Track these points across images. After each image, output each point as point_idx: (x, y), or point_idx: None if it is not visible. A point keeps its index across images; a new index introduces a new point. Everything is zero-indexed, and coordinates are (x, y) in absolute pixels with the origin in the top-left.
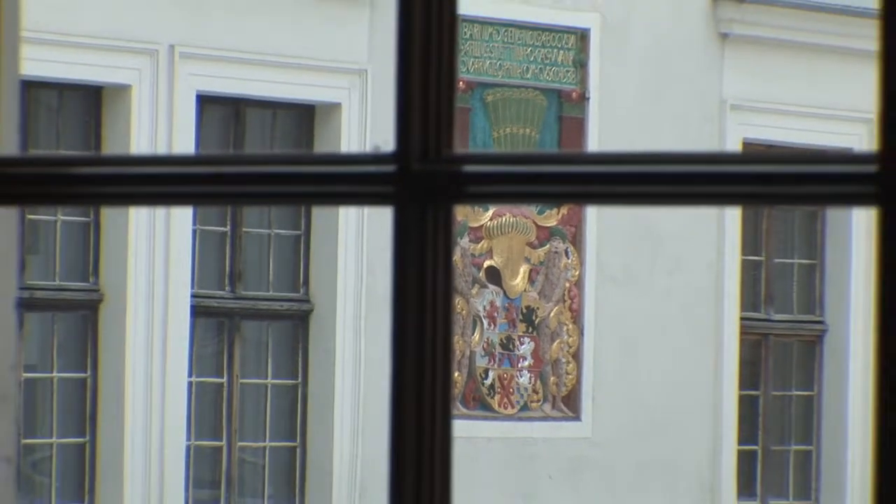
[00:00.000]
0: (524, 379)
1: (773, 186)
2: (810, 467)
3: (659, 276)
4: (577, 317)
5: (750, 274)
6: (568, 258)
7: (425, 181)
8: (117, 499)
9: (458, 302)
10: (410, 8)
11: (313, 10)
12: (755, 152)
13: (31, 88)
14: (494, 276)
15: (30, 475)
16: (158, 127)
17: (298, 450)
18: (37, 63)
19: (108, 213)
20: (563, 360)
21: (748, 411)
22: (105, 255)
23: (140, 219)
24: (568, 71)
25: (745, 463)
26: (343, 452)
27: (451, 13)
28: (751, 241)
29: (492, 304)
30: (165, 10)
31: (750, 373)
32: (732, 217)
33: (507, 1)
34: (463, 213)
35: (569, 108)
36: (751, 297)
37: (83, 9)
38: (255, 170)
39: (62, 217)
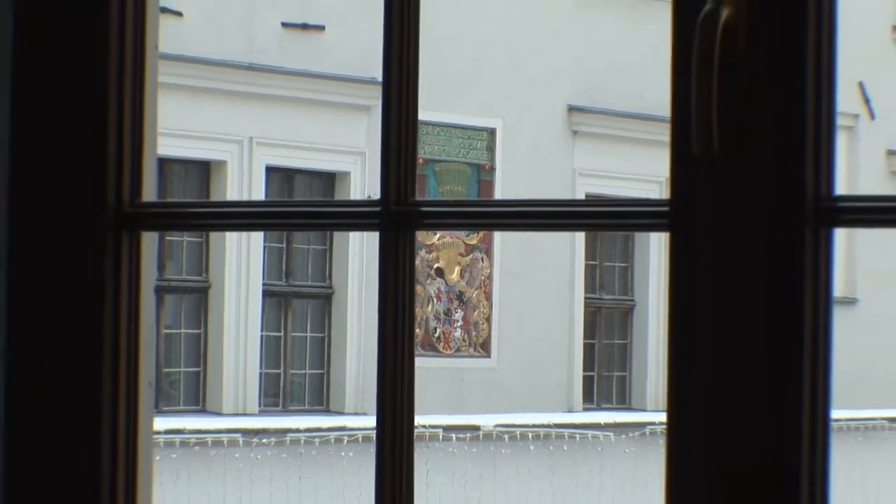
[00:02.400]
0: (457, 333)
1: (602, 220)
2: (625, 385)
3: (537, 272)
4: (489, 297)
5: (590, 271)
6: (483, 262)
7: (398, 216)
8: (218, 404)
9: (418, 288)
10: (388, 115)
11: (334, 116)
12: (592, 199)
13: (167, 163)
14: (440, 272)
15: (167, 391)
16: (243, 185)
17: (325, 375)
18: (171, 147)
19: (213, 235)
20: (481, 322)
21: (588, 352)
22: (211, 260)
23: (232, 238)
24: (483, 152)
25: (587, 383)
26: (351, 376)
27: (414, 118)
28: (590, 252)
29: (438, 289)
30: (247, 116)
31: (590, 330)
32: (580, 237)
33: (447, 111)
34: (421, 236)
35: (484, 175)
36: (591, 284)
37: (199, 113)
38: (297, 209)
39: (186, 238)
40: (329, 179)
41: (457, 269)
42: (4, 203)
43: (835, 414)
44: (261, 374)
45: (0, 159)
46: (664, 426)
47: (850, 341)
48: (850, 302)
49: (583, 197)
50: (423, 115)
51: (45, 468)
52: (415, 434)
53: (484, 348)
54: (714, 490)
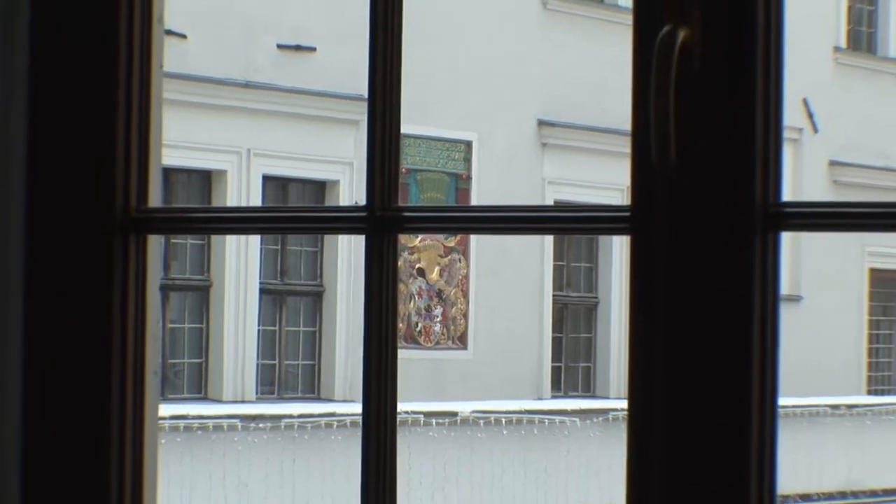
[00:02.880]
0: (437, 328)
1: (569, 224)
2: (590, 375)
3: (509, 272)
4: (465, 294)
5: (557, 271)
6: (461, 263)
7: (383, 221)
8: (219, 392)
9: (401, 286)
10: (373, 129)
11: (325, 129)
12: (560, 206)
13: (172, 172)
14: (421, 272)
15: (172, 380)
16: (241, 192)
17: (316, 365)
18: (175, 158)
19: (214, 238)
20: (458, 318)
21: (556, 345)
22: (212, 261)
23: (231, 240)
24: (460, 163)
25: (555, 373)
26: (340, 367)
27: (397, 132)
28: (558, 253)
29: (419, 287)
30: (245, 130)
31: (558, 324)
32: (549, 240)
33: (427, 125)
34: (404, 239)
35: (461, 183)
36: (559, 283)
37: (200, 126)
38: (291, 215)
39: (189, 240)
40: (320, 187)
41: (436, 269)
42: (23, 208)
43: (781, 401)
44: (258, 364)
45: (19, 168)
46: (626, 412)
47: (796, 335)
48: (795, 299)
49: (551, 203)
50: (405, 129)
51: (60, 450)
52: (398, 419)
53: (461, 341)
54: (672, 471)
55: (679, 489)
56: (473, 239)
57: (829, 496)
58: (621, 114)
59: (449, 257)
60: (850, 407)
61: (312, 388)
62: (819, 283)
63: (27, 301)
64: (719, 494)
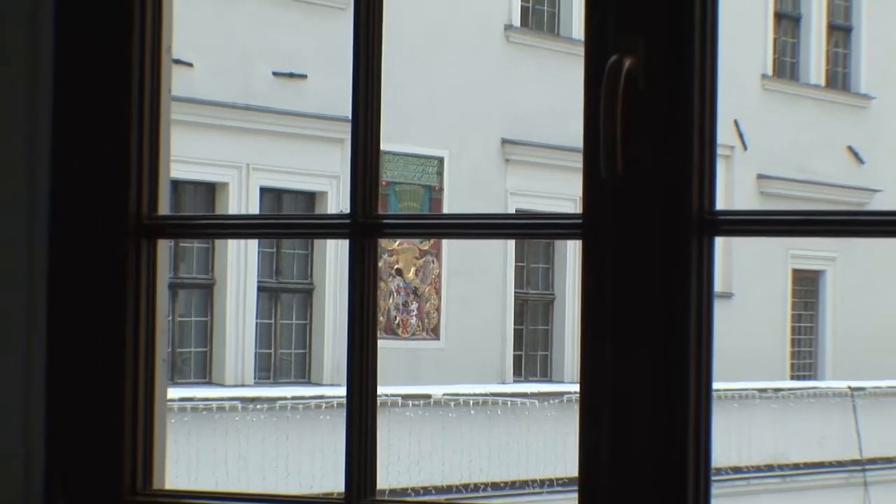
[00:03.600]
0: (413, 321)
1: (528, 230)
2: (547, 362)
3: (476, 272)
4: (438, 291)
5: (518, 271)
6: (434, 264)
7: (365, 227)
8: (221, 377)
9: (381, 284)
10: (356, 146)
11: (314, 147)
12: (521, 214)
13: (180, 184)
14: (399, 272)
15: (180, 367)
16: (241, 202)
17: (307, 354)
18: (182, 171)
19: (217, 242)
20: (431, 312)
21: (518, 336)
22: (216, 262)
23: (232, 244)
24: (433, 176)
25: (517, 360)
26: (328, 355)
27: (377, 149)
28: (519, 255)
29: (398, 285)
30: (244, 147)
31: (519, 318)
32: (511, 244)
33: (405, 143)
34: (384, 243)
35: (434, 194)
36: (520, 281)
37: (205, 144)
38: (284, 221)
39: (195, 244)
40: (310, 197)
41: (412, 269)
42: (47, 215)
43: (715, 385)
44: (256, 353)
45: (44, 180)
46: (578, 395)
47: (728, 328)
48: (727, 296)
49: (513, 212)
50: (384, 147)
51: (80, 427)
52: (378, 401)
53: (434, 333)
54: (618, 446)
55: (625, 461)
56: (445, 243)
57: (758, 468)
58: (575, 133)
59: (423, 259)
60: (776, 391)
61: (304, 373)
62: (748, 282)
63: (51, 296)
64: (661, 465)
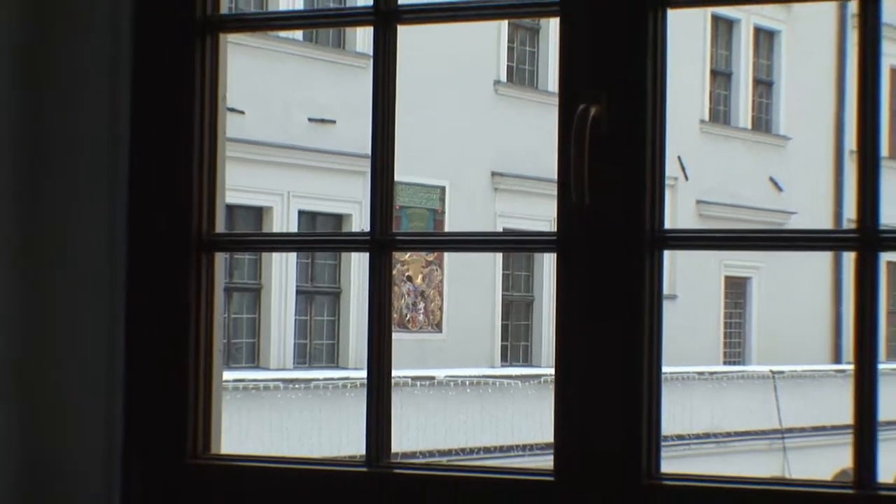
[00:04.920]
0: (421, 317)
1: (513, 245)
2: (528, 350)
3: (472, 278)
4: (441, 294)
5: (505, 277)
6: (437, 272)
7: (381, 243)
8: (267, 362)
9: (395, 288)
10: (375, 177)
11: (342, 178)
12: (507, 232)
13: (234, 209)
14: (409, 279)
15: (234, 354)
16: (283, 222)
17: (335, 344)
18: (235, 198)
19: (264, 254)
20: (435, 310)
21: (504, 330)
22: (262, 270)
23: (276, 256)
24: (437, 202)
25: (504, 349)
26: (352, 345)
27: (391, 180)
28: (506, 265)
29: (408, 289)
30: (286, 178)
31: (505, 315)
32: (499, 256)
33: (414, 175)
34: (397, 255)
35: (438, 216)
36: (506, 285)
37: (253, 176)
38: (317, 238)
39: (246, 256)
40: (338, 219)
41: (420, 276)
42: (125, 233)
43: (664, 369)
44: (295, 343)
45: (122, 205)
46: (553, 377)
47: (673, 323)
48: (672, 297)
49: (501, 230)
50: (397, 178)
51: (153, 405)
52: (392, 382)
53: (438, 327)
54: (586, 420)
55: (592, 430)
56: (446, 255)
57: (698, 436)
58: (551, 167)
59: (429, 268)
60: (712, 373)
61: (333, 359)
62: (689, 286)
63: (129, 300)
64: (621, 434)
